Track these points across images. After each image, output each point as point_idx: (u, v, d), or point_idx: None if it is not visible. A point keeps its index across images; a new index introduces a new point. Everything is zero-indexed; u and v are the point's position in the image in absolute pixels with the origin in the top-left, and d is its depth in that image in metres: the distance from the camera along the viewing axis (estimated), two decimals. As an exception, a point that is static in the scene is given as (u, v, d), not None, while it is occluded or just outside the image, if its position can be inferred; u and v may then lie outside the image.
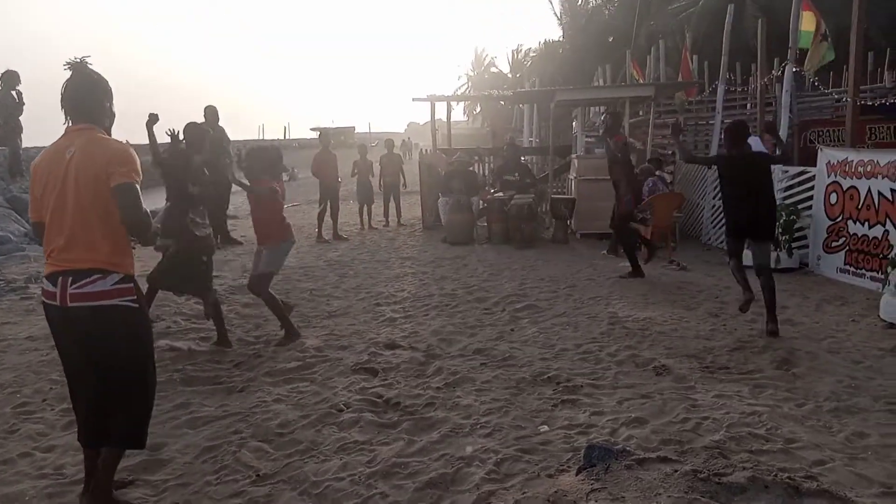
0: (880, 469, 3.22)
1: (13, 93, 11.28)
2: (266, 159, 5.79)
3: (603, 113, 8.63)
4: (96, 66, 3.06)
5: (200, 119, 10.86)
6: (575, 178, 11.94)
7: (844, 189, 8.00)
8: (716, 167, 6.57)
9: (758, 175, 5.99)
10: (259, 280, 5.77)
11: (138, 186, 2.88)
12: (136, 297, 2.96)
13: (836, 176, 8.16)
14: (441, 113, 16.43)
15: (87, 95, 2.99)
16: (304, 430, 3.94)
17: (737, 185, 5.99)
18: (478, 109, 56.39)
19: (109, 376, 2.94)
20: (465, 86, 63.87)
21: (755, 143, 10.36)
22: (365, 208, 13.87)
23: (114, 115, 3.11)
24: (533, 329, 6.02)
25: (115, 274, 2.88)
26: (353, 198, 15.32)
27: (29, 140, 12.58)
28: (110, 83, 3.10)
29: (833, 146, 10.52)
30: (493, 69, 62.09)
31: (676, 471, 3.07)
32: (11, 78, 11.20)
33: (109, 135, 3.06)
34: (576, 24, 34.73)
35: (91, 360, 2.92)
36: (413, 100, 16.03)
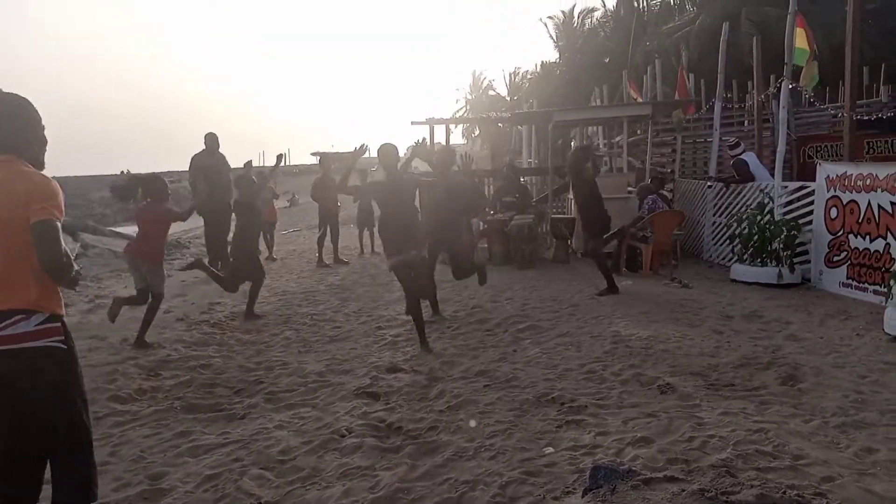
0: (889, 484, 3.18)
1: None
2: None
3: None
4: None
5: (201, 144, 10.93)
6: (574, 197, 11.92)
7: (844, 203, 8.00)
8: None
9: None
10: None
11: (59, 224, 2.62)
12: (64, 337, 2.69)
13: (835, 190, 8.16)
14: (440, 136, 16.50)
15: (3, 123, 2.71)
16: (306, 456, 3.90)
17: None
18: (476, 132, 56.61)
19: (39, 428, 2.63)
20: (464, 109, 64.22)
21: (751, 159, 10.45)
22: (366, 232, 13.88)
23: (45, 142, 2.84)
24: (536, 350, 5.99)
25: (38, 314, 2.62)
26: (353, 222, 15.34)
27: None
28: (36, 106, 2.79)
29: (832, 161, 10.55)
30: (491, 92, 62.40)
31: (684, 490, 3.03)
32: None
33: (42, 164, 2.81)
34: (572, 46, 35.01)
35: (16, 412, 2.60)
36: (412, 123, 16.00)
